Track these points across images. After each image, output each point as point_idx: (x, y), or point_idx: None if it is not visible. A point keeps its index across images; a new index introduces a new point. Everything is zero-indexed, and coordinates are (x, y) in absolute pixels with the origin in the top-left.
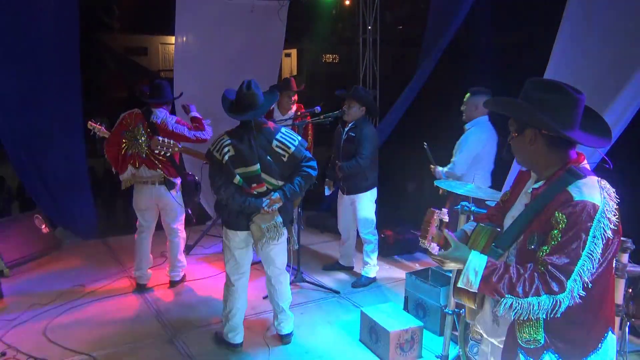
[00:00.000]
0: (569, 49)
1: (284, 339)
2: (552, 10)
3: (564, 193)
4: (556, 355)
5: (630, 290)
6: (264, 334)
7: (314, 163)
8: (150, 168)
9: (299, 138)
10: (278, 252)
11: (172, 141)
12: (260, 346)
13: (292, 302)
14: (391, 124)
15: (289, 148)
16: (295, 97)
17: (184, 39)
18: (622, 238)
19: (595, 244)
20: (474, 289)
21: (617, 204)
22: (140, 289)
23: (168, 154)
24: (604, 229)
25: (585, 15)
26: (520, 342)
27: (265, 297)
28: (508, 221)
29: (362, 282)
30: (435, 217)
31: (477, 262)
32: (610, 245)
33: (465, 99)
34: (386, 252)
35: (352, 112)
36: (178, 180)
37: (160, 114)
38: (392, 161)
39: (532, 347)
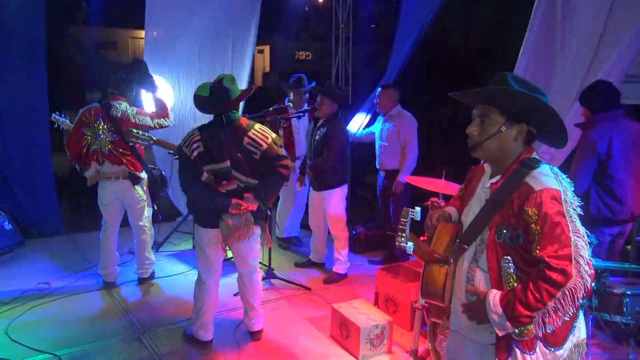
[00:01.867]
0: (536, 50)
1: (254, 335)
2: (521, 12)
3: (522, 185)
4: (544, 343)
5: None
6: (234, 331)
7: (287, 162)
8: (114, 163)
9: (273, 136)
10: (250, 249)
11: (147, 133)
12: (230, 343)
13: (263, 299)
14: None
15: (261, 146)
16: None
17: (155, 33)
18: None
19: (574, 221)
20: (511, 329)
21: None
22: (108, 287)
23: (144, 147)
24: (573, 208)
25: (553, 17)
26: (514, 337)
27: (236, 294)
28: (469, 217)
29: (333, 279)
30: (409, 216)
31: (492, 303)
32: None
33: (378, 93)
34: (357, 248)
35: (324, 109)
36: (144, 175)
37: (121, 107)
38: (364, 158)
39: (526, 338)
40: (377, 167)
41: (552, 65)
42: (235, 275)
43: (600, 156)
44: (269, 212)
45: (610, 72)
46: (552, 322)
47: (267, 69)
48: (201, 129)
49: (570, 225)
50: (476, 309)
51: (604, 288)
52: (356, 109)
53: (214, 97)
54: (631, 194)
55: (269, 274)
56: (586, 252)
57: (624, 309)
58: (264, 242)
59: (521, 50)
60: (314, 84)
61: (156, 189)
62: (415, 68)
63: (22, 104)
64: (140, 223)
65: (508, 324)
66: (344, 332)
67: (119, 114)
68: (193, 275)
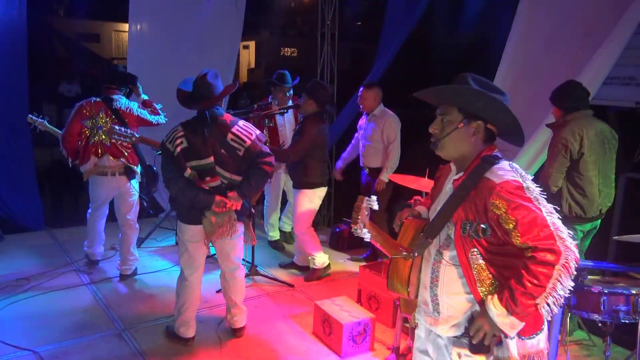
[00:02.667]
0: (519, 49)
1: (236, 332)
2: (505, 11)
3: (483, 180)
4: (519, 334)
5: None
6: (216, 328)
7: (270, 159)
8: (114, 157)
9: (257, 132)
10: (233, 246)
11: (129, 130)
12: (212, 340)
13: (246, 296)
14: (347, 118)
15: (245, 142)
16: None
17: (139, 26)
18: None
19: (541, 202)
20: (520, 324)
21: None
22: (90, 265)
23: (125, 143)
24: (536, 192)
25: (534, 16)
26: None
27: (218, 291)
28: (435, 213)
29: (314, 275)
30: (364, 204)
31: (493, 306)
32: None
33: (361, 93)
34: (340, 245)
35: (305, 106)
36: (139, 169)
37: (122, 101)
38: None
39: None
40: (361, 165)
41: (536, 66)
42: (218, 272)
43: (573, 155)
44: (252, 209)
45: (591, 73)
46: (556, 301)
47: (252, 65)
48: (184, 124)
49: (540, 205)
50: (483, 325)
51: (581, 287)
52: (341, 107)
53: (197, 93)
54: (599, 191)
55: (252, 271)
56: (562, 226)
57: (601, 307)
58: (248, 239)
59: (504, 50)
60: (297, 80)
61: (149, 184)
62: (401, 67)
63: (2, 96)
64: (129, 217)
65: (516, 319)
66: (326, 329)
67: (122, 107)
68: (175, 271)
